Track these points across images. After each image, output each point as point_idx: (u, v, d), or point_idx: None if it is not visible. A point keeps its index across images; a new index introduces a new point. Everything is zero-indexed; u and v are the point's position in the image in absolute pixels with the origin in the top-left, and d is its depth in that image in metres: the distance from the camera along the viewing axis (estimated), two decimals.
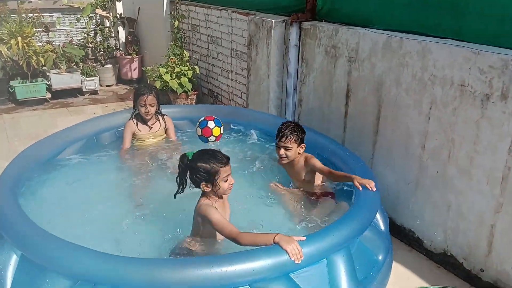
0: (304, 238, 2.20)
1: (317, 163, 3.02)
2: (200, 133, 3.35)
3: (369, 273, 2.50)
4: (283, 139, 3.02)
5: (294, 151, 3.05)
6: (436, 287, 2.81)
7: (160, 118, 3.78)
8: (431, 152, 3.00)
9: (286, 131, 3.02)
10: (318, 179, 3.12)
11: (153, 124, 3.75)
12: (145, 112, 3.61)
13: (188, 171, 2.42)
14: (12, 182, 2.73)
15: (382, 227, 2.86)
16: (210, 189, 2.41)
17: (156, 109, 3.70)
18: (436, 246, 3.10)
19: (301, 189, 3.13)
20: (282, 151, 3.05)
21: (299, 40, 4.04)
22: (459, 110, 2.77)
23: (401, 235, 3.33)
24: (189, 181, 2.44)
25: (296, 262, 2.09)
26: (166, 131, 3.85)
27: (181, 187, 2.45)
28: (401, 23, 3.21)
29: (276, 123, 3.75)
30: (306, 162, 3.07)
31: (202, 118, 3.42)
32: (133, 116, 3.69)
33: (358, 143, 3.57)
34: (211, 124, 3.34)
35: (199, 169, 2.37)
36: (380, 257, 2.62)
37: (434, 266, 3.08)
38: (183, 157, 2.43)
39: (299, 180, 3.15)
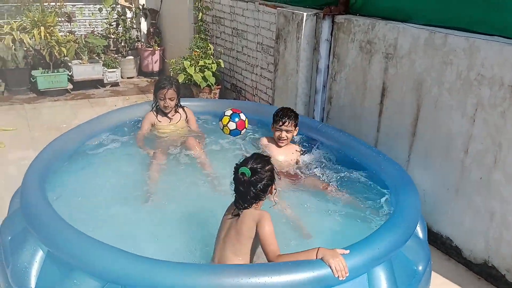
0: (348, 251, 2.05)
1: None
2: (235, 127, 3.21)
3: (409, 284, 2.35)
4: (287, 123, 3.19)
5: (292, 133, 3.26)
6: None
7: (180, 110, 3.69)
8: (475, 156, 2.82)
9: (289, 114, 3.21)
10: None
11: (173, 115, 3.68)
12: (164, 106, 3.54)
13: (252, 186, 2.13)
14: (39, 176, 2.64)
15: (420, 235, 2.70)
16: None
17: (176, 102, 3.61)
18: (476, 256, 2.93)
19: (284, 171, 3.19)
20: (284, 134, 3.21)
21: (331, 34, 3.87)
22: (509, 113, 2.58)
23: (438, 242, 3.16)
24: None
25: (341, 279, 1.95)
26: (187, 122, 3.75)
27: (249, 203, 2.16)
28: (443, 18, 3.02)
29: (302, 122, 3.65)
30: (298, 148, 3.35)
31: (230, 112, 3.27)
32: (153, 108, 3.64)
33: (392, 145, 3.40)
34: (243, 116, 3.22)
35: (265, 177, 2.14)
36: (420, 268, 2.46)
37: (474, 277, 2.91)
38: (242, 176, 2.10)
39: (285, 163, 3.24)
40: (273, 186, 2.22)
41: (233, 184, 2.16)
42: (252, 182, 2.10)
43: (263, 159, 2.18)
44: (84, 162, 3.27)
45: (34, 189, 2.45)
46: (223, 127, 3.21)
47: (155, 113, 3.63)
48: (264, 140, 3.38)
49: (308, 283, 1.93)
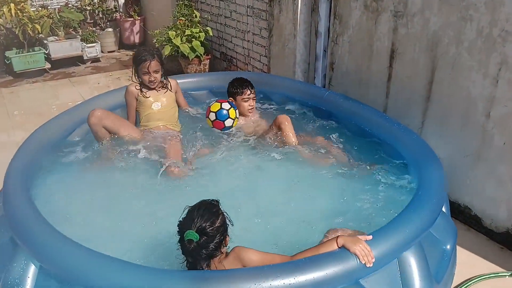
0: (371, 237, 1.86)
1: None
2: (231, 124, 3.01)
3: (439, 266, 2.18)
4: (253, 90, 3.19)
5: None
6: (507, 274, 2.50)
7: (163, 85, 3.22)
8: (498, 121, 2.60)
9: (249, 82, 3.19)
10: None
11: (159, 89, 3.20)
12: (149, 81, 3.07)
13: (202, 249, 1.72)
14: (22, 176, 2.36)
15: (444, 209, 2.52)
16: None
17: (161, 74, 3.15)
18: (497, 225, 2.78)
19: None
20: (252, 102, 3.20)
21: None
22: None
23: (456, 212, 2.99)
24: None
25: (368, 265, 1.76)
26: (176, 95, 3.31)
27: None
28: None
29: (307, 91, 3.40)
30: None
31: (218, 107, 3.00)
32: (134, 83, 3.17)
33: (404, 111, 3.17)
34: (231, 112, 3.00)
35: (217, 235, 1.74)
36: (448, 246, 2.29)
37: (497, 247, 2.77)
38: (189, 244, 1.69)
39: (257, 130, 3.18)
40: (227, 238, 1.82)
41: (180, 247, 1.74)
42: (202, 245, 1.69)
43: (212, 211, 1.75)
44: (70, 156, 2.98)
45: (18, 193, 2.18)
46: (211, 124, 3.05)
47: (137, 86, 3.14)
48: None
49: (336, 279, 1.75)
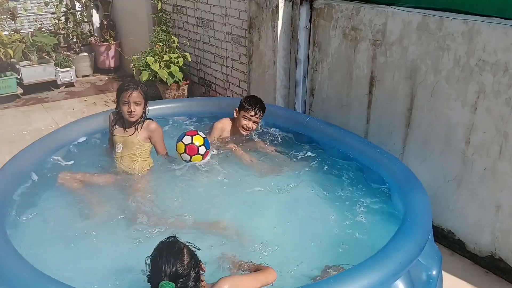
0: None
1: None
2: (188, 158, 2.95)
3: None
4: (258, 114, 3.21)
5: (256, 127, 3.32)
6: None
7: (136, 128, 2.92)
8: (477, 147, 2.66)
9: (262, 106, 3.23)
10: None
11: (130, 127, 2.93)
12: (128, 111, 2.81)
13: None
14: None
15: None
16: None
17: (143, 111, 2.89)
18: (481, 249, 2.81)
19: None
20: (251, 124, 3.22)
21: (310, 21, 3.60)
22: None
23: (439, 237, 3.02)
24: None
25: None
26: (151, 140, 2.98)
27: None
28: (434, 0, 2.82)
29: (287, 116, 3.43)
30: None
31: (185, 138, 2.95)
32: (114, 113, 3.00)
33: (384, 137, 3.21)
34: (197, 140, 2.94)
35: (191, 272, 1.64)
36: (434, 272, 2.29)
37: (482, 271, 2.79)
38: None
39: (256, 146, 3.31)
40: (201, 265, 1.75)
41: None
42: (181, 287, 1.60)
43: (174, 251, 1.64)
44: (44, 184, 2.85)
45: None
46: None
47: (112, 117, 2.98)
48: (221, 123, 3.31)
49: None
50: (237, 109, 3.25)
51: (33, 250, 2.19)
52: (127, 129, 2.93)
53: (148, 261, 1.64)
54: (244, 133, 3.25)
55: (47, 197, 2.73)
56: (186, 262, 1.61)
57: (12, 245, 1.98)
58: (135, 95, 2.81)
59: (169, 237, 1.71)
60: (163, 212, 2.61)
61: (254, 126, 3.24)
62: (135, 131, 2.91)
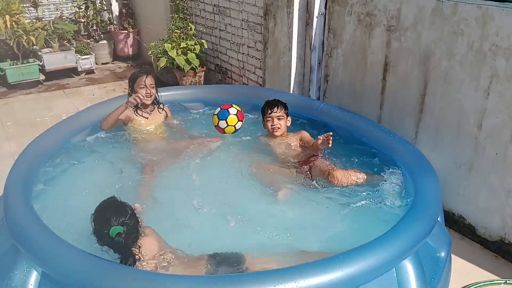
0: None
1: (307, 135, 3.13)
2: (224, 126, 3.04)
3: (434, 273, 2.22)
4: (275, 109, 3.10)
5: (285, 121, 3.14)
6: (502, 281, 2.55)
7: (158, 108, 3.47)
8: (489, 132, 2.68)
9: (275, 102, 3.13)
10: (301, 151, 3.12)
11: (151, 111, 3.41)
12: (146, 93, 3.25)
13: (131, 234, 2.00)
14: (23, 183, 2.37)
15: (439, 218, 2.57)
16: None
17: (156, 95, 3.38)
18: (491, 234, 2.84)
19: (288, 164, 3.02)
20: (275, 121, 3.11)
21: (325, 8, 3.63)
22: None
23: (450, 221, 3.05)
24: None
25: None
26: (166, 119, 3.53)
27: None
28: None
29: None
30: (297, 134, 3.16)
31: (218, 110, 3.08)
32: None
33: (398, 123, 3.24)
34: (233, 110, 3.04)
35: (132, 219, 2.02)
36: (443, 254, 2.34)
37: (491, 255, 2.82)
38: (119, 237, 1.92)
39: (289, 154, 3.07)
40: (140, 219, 2.09)
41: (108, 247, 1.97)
42: (129, 231, 1.96)
43: (117, 205, 2.04)
44: (68, 163, 2.99)
45: (19, 200, 2.19)
46: (216, 127, 3.07)
47: (136, 107, 3.32)
48: (262, 140, 3.24)
49: (338, 285, 1.78)
50: (263, 122, 3.23)
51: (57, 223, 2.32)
52: (150, 112, 3.38)
53: (94, 218, 2.00)
54: (277, 133, 3.12)
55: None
56: (129, 213, 2.01)
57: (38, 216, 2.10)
58: (150, 79, 3.28)
59: (109, 197, 2.09)
60: None
61: (281, 122, 3.11)
62: (160, 111, 3.44)
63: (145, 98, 3.25)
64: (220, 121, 3.01)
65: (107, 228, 1.93)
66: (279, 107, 3.12)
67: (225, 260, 2.07)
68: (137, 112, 3.32)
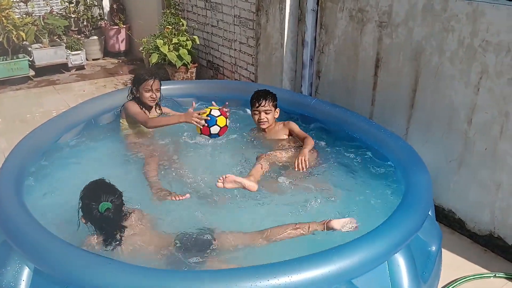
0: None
1: (296, 126, 3.12)
2: (217, 132, 3.01)
3: (425, 267, 2.25)
4: (263, 102, 3.08)
5: (273, 114, 3.12)
6: (491, 275, 2.59)
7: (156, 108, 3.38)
8: (479, 127, 2.71)
9: (263, 95, 3.09)
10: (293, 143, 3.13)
11: (150, 110, 3.34)
12: (151, 97, 3.19)
13: (118, 211, 2.11)
14: (14, 179, 2.35)
15: (429, 212, 2.60)
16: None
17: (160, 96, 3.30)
18: (481, 228, 2.88)
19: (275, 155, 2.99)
20: (263, 115, 3.09)
21: (317, 4, 3.63)
22: None
23: (440, 216, 3.08)
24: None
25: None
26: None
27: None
28: None
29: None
30: (285, 126, 3.16)
31: (208, 113, 3.02)
32: (130, 99, 3.28)
33: (389, 118, 3.27)
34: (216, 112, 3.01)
35: (119, 198, 2.12)
36: (434, 248, 2.37)
37: (480, 249, 2.86)
38: (107, 212, 2.03)
39: (277, 147, 3.06)
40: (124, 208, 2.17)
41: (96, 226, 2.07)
42: (116, 208, 2.07)
43: (105, 185, 2.13)
44: (61, 159, 2.98)
45: (11, 196, 2.17)
46: (210, 136, 3.04)
47: (138, 104, 3.22)
48: (251, 133, 3.24)
49: (330, 278, 1.79)
50: (251, 113, 3.20)
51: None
52: (157, 110, 3.37)
53: (83, 194, 2.07)
54: (264, 126, 3.11)
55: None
56: (118, 193, 2.11)
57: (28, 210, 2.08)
58: (157, 83, 3.21)
59: (98, 178, 2.17)
60: None
61: (268, 116, 3.08)
62: (158, 111, 3.38)
63: (148, 101, 3.21)
64: (212, 128, 2.97)
65: (96, 203, 2.01)
66: (267, 100, 3.07)
67: (195, 234, 2.18)
68: (143, 109, 3.26)
